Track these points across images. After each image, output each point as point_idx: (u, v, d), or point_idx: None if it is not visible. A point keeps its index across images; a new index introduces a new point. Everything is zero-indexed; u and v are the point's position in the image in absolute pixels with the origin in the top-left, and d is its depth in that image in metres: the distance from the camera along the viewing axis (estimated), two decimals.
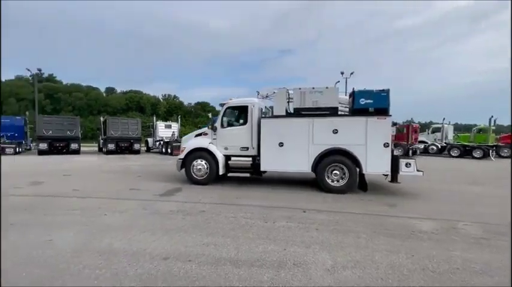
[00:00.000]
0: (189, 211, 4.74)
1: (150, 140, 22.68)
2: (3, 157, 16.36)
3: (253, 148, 7.18)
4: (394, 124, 6.51)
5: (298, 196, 6.11)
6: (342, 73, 26.38)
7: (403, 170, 6.15)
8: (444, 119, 22.39)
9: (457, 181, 8.90)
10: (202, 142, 7.58)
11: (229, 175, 7.50)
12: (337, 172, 6.41)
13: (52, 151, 17.62)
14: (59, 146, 17.74)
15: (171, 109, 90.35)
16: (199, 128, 24.48)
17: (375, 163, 6.14)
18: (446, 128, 22.60)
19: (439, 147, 21.41)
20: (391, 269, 2.71)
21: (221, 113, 7.58)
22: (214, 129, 7.51)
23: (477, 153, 18.56)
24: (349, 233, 3.71)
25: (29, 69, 28.19)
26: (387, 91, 6.17)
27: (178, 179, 8.06)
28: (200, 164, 7.38)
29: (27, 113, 25.04)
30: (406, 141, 18.91)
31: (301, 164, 6.62)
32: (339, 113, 6.76)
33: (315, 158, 6.48)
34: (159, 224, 4.04)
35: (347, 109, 7.22)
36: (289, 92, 7.16)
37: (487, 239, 3.56)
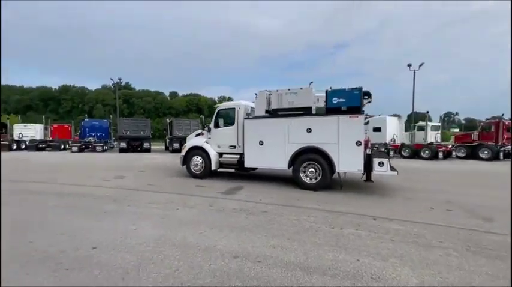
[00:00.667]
0: (251, 211, 4.81)
1: None
2: (95, 154, 19.54)
3: (239, 146, 7.86)
4: (367, 123, 6.45)
5: (360, 200, 5.65)
6: (409, 65, 23.63)
7: (376, 169, 6.14)
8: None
9: None
10: (199, 141, 8.54)
11: (219, 170, 8.27)
12: (313, 170, 6.65)
13: (129, 149, 20.18)
14: (134, 145, 20.19)
15: None
16: None
17: (348, 161, 6.23)
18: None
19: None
20: None
21: (214, 115, 8.38)
22: (208, 129, 8.41)
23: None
24: (433, 249, 3.22)
25: (112, 79, 33.04)
26: (359, 89, 6.17)
27: (239, 178, 8.31)
28: (197, 161, 8.35)
29: (110, 116, 29.46)
30: (494, 141, 15.92)
31: (279, 162, 7.05)
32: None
33: (290, 156, 6.84)
34: (225, 222, 4.18)
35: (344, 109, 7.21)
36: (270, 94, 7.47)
37: None
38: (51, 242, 3.42)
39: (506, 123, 16.65)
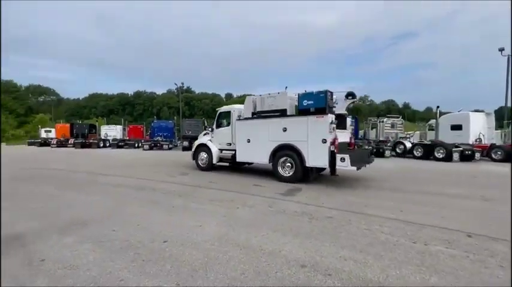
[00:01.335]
0: (314, 215, 4.50)
1: None
2: (162, 151, 21.66)
3: (234, 144, 9.02)
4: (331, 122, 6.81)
5: (441, 208, 4.77)
6: (501, 50, 19.47)
7: (339, 164, 6.61)
8: None
9: None
10: (204, 139, 10.09)
11: (217, 164, 9.59)
12: (289, 164, 7.51)
13: (191, 147, 21.54)
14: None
15: None
16: None
17: (315, 157, 6.94)
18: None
19: None
20: None
21: (216, 117, 9.76)
22: (212, 130, 9.93)
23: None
24: None
25: (176, 84, 36.28)
26: (324, 92, 6.89)
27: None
28: (202, 156, 9.95)
29: (175, 117, 32.39)
30: None
31: (262, 157, 8.03)
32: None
33: (270, 152, 7.79)
34: (287, 225, 3.99)
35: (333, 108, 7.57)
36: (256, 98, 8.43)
37: None
38: (131, 232, 3.74)
39: None
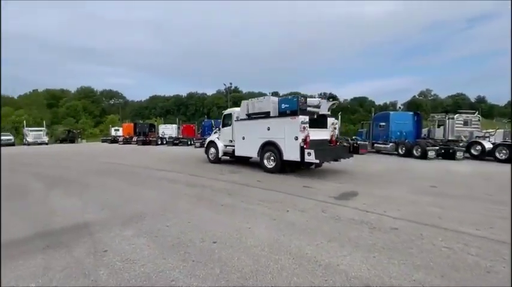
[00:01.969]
0: (375, 225, 3.96)
1: None
2: None
3: (234, 141, 10.51)
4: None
5: None
6: None
7: (306, 158, 7.79)
8: None
9: None
10: (214, 137, 11.89)
11: (222, 157, 11.36)
12: (272, 158, 8.75)
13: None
14: None
15: None
16: (362, 124, 22.43)
17: (290, 152, 8.19)
18: None
19: None
20: None
21: (221, 118, 11.49)
22: (219, 129, 11.67)
23: None
24: None
25: (224, 84, 37.52)
26: (296, 97, 8.23)
27: (352, 180, 7.39)
28: (212, 151, 11.73)
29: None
30: None
31: (254, 152, 9.37)
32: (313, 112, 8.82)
33: (259, 147, 9.09)
34: (344, 235, 3.56)
35: (316, 110, 8.94)
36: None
37: None
38: (182, 229, 3.79)
39: None
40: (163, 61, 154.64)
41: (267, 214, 4.51)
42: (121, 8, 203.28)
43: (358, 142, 17.03)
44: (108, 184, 7.20)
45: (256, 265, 2.77)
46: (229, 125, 10.90)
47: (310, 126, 8.21)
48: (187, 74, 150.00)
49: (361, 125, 22.94)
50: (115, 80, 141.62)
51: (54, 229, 3.87)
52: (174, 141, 28.69)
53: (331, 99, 9.27)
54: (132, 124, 37.09)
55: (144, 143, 29.13)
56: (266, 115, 9.03)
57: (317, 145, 8.12)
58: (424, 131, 17.05)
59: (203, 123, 29.50)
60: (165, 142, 29.34)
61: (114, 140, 35.91)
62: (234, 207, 4.91)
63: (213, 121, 25.70)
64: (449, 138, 15.60)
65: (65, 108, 72.56)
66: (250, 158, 10.71)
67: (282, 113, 8.52)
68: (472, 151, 13.86)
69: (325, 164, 10.23)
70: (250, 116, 9.65)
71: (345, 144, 10.12)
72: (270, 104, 8.94)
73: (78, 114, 71.34)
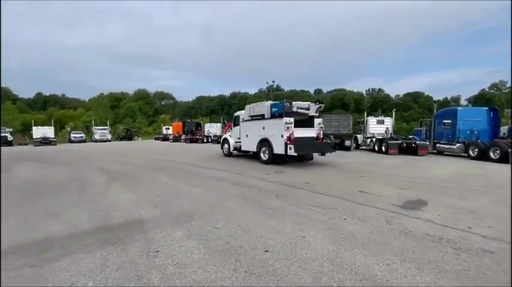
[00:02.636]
0: (460, 244, 3.23)
1: (359, 136, 21.94)
2: None
3: (240, 138, 12.58)
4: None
5: None
6: None
7: (289, 152, 9.56)
8: None
9: None
10: (227, 135, 14.21)
11: (233, 153, 13.61)
12: (267, 152, 10.72)
13: None
14: (335, 142, 19.65)
15: (375, 103, 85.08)
16: (421, 122, 20.10)
17: (278, 147, 10.05)
18: None
19: None
20: None
21: (233, 119, 13.66)
22: (231, 128, 13.72)
23: None
24: None
25: (267, 82, 37.33)
26: (282, 102, 10.10)
27: (414, 185, 6.46)
28: (225, 146, 14.01)
29: None
30: None
31: (254, 147, 11.48)
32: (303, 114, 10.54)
33: (257, 143, 11.23)
34: (420, 255, 2.96)
35: (306, 112, 10.55)
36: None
37: None
38: (231, 232, 3.60)
39: None
40: (208, 62, 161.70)
41: (321, 221, 4.07)
42: (170, 14, 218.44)
43: (417, 142, 15.26)
44: (159, 180, 7.50)
45: (317, 283, 2.40)
46: (238, 125, 12.93)
47: (299, 126, 10.16)
48: (230, 74, 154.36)
49: (419, 123, 20.54)
50: (165, 82, 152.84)
51: (112, 224, 4.02)
52: (218, 140, 29.56)
53: (317, 103, 11.04)
54: (180, 123, 39.44)
55: (192, 141, 30.63)
56: (262, 117, 11.01)
57: (303, 141, 10.11)
58: (504, 129, 14.43)
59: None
60: (210, 140, 30.43)
61: (165, 138, 38.66)
62: (283, 211, 4.57)
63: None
64: None
65: (124, 109, 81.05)
66: (254, 152, 12.01)
67: (272, 115, 10.43)
68: None
69: (375, 167, 9.25)
70: (252, 118, 11.69)
71: (329, 141, 11.99)
72: (265, 108, 10.90)
73: (134, 114, 79.14)
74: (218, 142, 28.94)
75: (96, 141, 38.29)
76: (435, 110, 16.51)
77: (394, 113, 20.88)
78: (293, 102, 10.42)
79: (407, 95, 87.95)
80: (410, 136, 17.97)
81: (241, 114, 12.69)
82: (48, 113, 70.40)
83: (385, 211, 4.59)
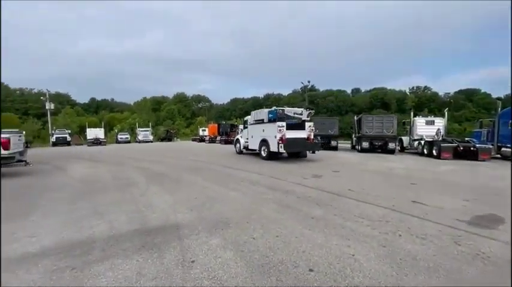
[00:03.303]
0: None
1: (404, 138, 20.14)
2: None
3: (248, 138, 15.58)
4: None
5: None
6: None
7: (280, 150, 11.92)
8: None
9: None
10: (238, 135, 17.74)
11: (244, 151, 16.38)
12: (266, 150, 13.08)
13: (371, 149, 18.53)
14: (376, 145, 18.50)
15: (421, 103, 78.28)
16: (481, 123, 17.77)
17: (273, 146, 12.32)
18: None
19: None
20: None
21: (243, 122, 17.90)
22: (241, 130, 17.46)
23: None
24: None
25: (302, 83, 36.47)
26: (276, 110, 12.49)
27: (479, 196, 5.51)
28: (237, 145, 17.15)
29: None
30: None
31: (256, 146, 13.98)
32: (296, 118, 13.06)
33: (259, 142, 13.69)
34: None
35: (300, 117, 13.04)
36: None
37: None
38: (270, 244, 3.31)
39: None
40: (242, 65, 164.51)
41: (371, 236, 3.57)
42: (206, 18, 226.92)
43: (477, 145, 13.36)
44: (196, 182, 7.53)
45: None
46: (247, 128, 15.85)
47: (293, 129, 12.38)
48: (264, 75, 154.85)
49: (478, 124, 18.14)
50: (202, 85, 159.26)
51: (150, 227, 3.99)
52: None
53: (308, 109, 13.28)
54: (216, 125, 40.48)
55: (226, 142, 31.12)
56: (262, 121, 13.62)
57: (294, 141, 12.30)
58: None
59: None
60: None
61: (202, 139, 40.01)
62: (327, 222, 4.15)
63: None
64: None
65: (164, 112, 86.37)
66: (257, 150, 14.34)
67: (269, 120, 12.91)
68: None
69: (427, 173, 8.16)
70: (256, 122, 14.38)
71: (316, 141, 14.06)
72: (264, 114, 13.49)
73: (174, 116, 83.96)
74: None
75: (139, 141, 41.10)
76: (499, 109, 14.37)
77: (446, 113, 18.75)
78: (286, 108, 13.29)
79: (459, 92, 79.45)
80: (466, 139, 15.89)
81: (249, 118, 15.78)
82: (100, 116, 77.80)
83: (449, 227, 3.90)
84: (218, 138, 33.91)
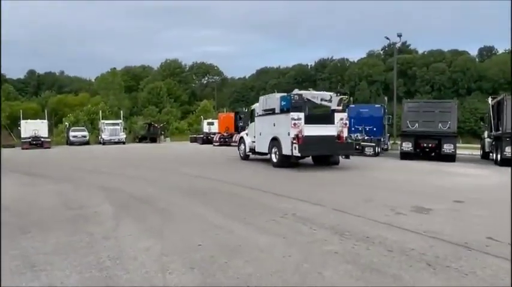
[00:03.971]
0: None
1: (487, 141, 21.23)
2: (365, 159, 21.52)
3: (255, 136, 18.47)
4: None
5: None
6: None
7: (294, 152, 14.29)
8: None
9: None
10: (243, 133, 20.89)
11: (251, 156, 19.75)
12: (277, 152, 15.39)
13: (417, 153, 20.50)
14: (426, 147, 20.13)
15: None
16: None
17: (285, 147, 14.69)
18: None
19: None
20: None
21: (250, 114, 21.17)
22: (247, 124, 20.98)
23: None
24: None
25: (387, 38, 35.41)
26: (289, 96, 15.12)
27: None
28: (241, 147, 20.43)
29: (385, 98, 31.43)
30: None
31: (266, 148, 16.61)
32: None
33: (269, 143, 16.13)
34: None
35: (328, 104, 16.00)
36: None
37: None
38: None
39: None
40: (277, 12, 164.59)
41: None
42: None
43: None
44: (200, 216, 7.60)
45: None
46: (254, 121, 18.25)
47: (315, 122, 14.64)
48: (316, 30, 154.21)
49: None
50: (208, 48, 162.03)
51: None
52: None
53: (338, 94, 15.06)
54: (231, 114, 40.75)
55: None
56: (273, 112, 15.91)
57: (316, 141, 14.20)
58: None
59: (346, 111, 28.51)
60: None
61: (207, 139, 40.51)
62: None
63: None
64: None
65: (145, 93, 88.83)
66: (266, 154, 16.81)
67: (281, 110, 15.10)
68: None
69: None
70: (265, 112, 16.79)
71: (349, 141, 15.66)
72: (275, 101, 15.47)
73: (161, 100, 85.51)
74: None
75: (104, 142, 42.86)
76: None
77: None
78: (306, 92, 15.82)
79: None
80: None
81: (256, 107, 18.24)
82: (42, 100, 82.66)
83: None
84: (235, 137, 34.04)
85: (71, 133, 44.40)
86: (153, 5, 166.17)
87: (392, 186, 12.04)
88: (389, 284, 4.22)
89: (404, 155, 20.82)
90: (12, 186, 12.09)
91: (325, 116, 14.95)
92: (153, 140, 48.55)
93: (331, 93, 15.08)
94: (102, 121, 46.60)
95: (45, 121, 41.29)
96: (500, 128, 18.18)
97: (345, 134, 14.88)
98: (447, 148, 19.43)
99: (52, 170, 16.38)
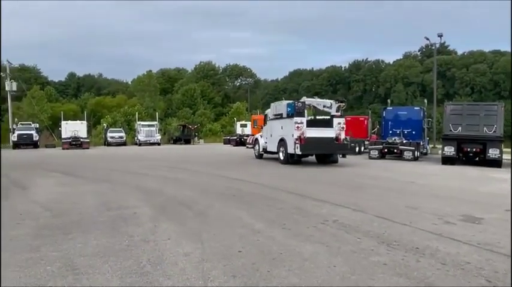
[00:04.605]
0: None
1: None
2: (403, 163, 20.90)
3: (267, 137, 22.49)
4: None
5: None
6: None
7: (296, 151, 17.64)
8: None
9: None
10: (258, 134, 25.12)
11: (264, 155, 23.36)
12: (284, 151, 18.87)
13: (459, 158, 19.91)
14: (469, 152, 19.50)
15: None
16: None
17: (290, 146, 17.80)
18: None
19: None
20: None
21: (264, 117, 25.52)
22: (262, 126, 25.63)
23: None
24: None
25: (427, 38, 34.26)
26: (293, 102, 18.85)
27: None
28: (256, 147, 24.56)
29: (425, 101, 30.41)
30: None
31: (275, 147, 20.40)
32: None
33: (277, 143, 19.71)
34: None
35: (328, 110, 19.66)
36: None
37: None
38: None
39: None
40: (311, 14, 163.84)
41: None
42: None
43: None
44: (239, 220, 7.50)
45: None
46: (266, 124, 21.36)
47: (316, 126, 18.34)
48: (352, 31, 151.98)
49: None
50: (241, 50, 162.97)
51: None
52: None
53: (337, 101, 18.57)
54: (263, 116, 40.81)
55: None
56: (281, 116, 19.00)
57: (315, 142, 17.24)
58: None
59: (384, 113, 27.70)
60: None
61: (240, 141, 40.64)
62: None
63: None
64: None
65: (180, 95, 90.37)
66: (276, 153, 19.75)
67: (288, 115, 18.16)
68: None
69: None
70: (275, 117, 19.73)
71: (346, 142, 18.07)
72: (283, 107, 18.57)
73: (195, 102, 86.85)
74: None
75: (140, 143, 43.67)
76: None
77: None
78: (310, 100, 18.64)
79: None
80: None
81: (269, 112, 21.37)
82: (81, 101, 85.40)
83: None
84: (250, 139, 34.35)
85: (109, 134, 45.65)
86: (183, 4, 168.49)
87: (436, 192, 11.58)
88: None
89: (446, 160, 20.37)
90: (51, 185, 12.39)
91: (325, 121, 17.96)
92: (187, 141, 49.33)
93: (332, 101, 18.38)
94: (138, 122, 47.59)
95: (85, 122, 42.68)
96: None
97: (343, 136, 17.91)
98: (493, 152, 18.86)
99: (90, 171, 16.74)
